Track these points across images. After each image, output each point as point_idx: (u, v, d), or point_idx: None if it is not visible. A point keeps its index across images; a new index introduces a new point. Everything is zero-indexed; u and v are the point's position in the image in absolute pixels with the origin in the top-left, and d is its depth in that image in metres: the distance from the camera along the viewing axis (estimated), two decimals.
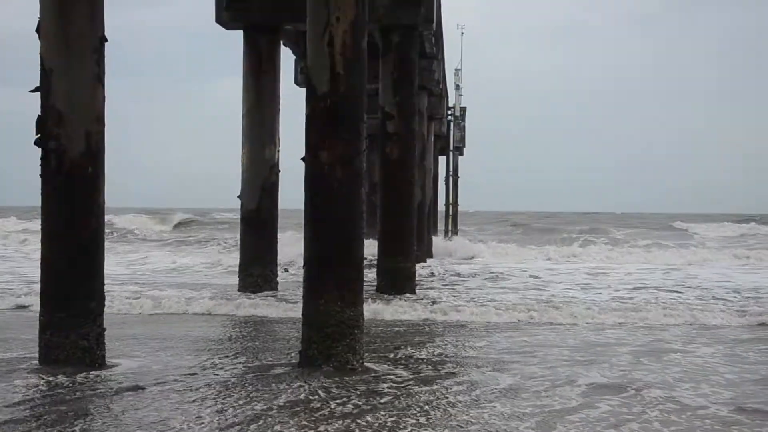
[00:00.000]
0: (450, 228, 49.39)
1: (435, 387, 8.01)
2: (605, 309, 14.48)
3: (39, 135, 8.38)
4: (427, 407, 7.16)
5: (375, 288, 16.65)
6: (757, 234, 52.87)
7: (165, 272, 23.55)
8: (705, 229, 57.09)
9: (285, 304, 14.25)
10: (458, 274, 23.03)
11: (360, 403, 7.19)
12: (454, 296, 16.88)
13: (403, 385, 8.04)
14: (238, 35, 17.07)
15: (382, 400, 7.32)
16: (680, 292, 18.31)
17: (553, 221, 73.24)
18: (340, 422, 6.54)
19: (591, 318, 13.42)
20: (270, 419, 6.59)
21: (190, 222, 57.48)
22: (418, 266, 18.27)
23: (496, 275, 22.59)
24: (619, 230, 54.33)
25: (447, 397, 7.58)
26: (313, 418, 6.64)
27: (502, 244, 37.90)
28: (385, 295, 15.94)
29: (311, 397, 7.33)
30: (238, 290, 16.50)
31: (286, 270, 19.91)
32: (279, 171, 16.77)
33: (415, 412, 6.97)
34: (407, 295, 16.28)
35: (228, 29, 17.06)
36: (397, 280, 16.67)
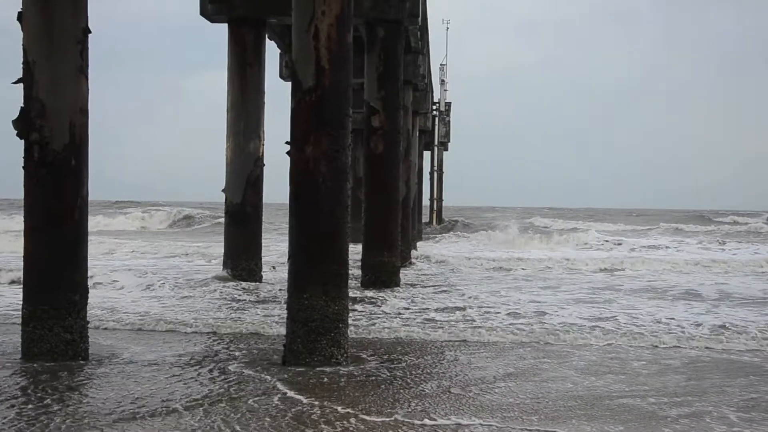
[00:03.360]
0: (434, 222, 49.55)
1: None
2: None
3: (21, 127, 8.32)
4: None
5: (360, 283, 16.64)
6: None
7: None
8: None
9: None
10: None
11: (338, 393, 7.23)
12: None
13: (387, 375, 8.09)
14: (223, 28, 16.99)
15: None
16: None
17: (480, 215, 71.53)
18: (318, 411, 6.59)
19: None
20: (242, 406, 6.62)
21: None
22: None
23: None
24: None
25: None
26: (290, 409, 6.68)
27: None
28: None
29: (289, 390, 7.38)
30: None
31: (274, 268, 19.73)
32: (264, 164, 16.74)
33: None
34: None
35: (213, 22, 16.97)
36: (382, 275, 16.68)
